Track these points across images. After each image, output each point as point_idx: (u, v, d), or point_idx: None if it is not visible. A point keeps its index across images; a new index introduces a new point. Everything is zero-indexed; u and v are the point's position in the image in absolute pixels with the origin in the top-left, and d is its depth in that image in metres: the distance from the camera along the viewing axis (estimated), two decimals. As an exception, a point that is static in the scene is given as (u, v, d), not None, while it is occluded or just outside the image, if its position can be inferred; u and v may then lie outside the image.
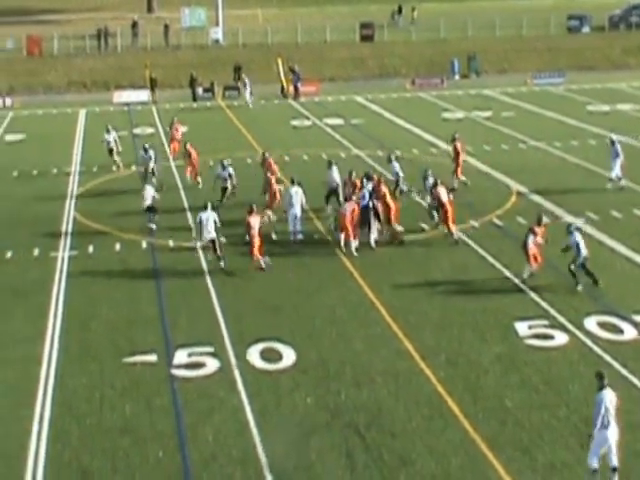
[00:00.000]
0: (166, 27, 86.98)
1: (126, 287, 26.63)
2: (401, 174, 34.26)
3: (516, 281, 25.98)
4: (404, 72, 69.56)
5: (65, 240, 30.90)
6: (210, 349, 22.17)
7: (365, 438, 18.14)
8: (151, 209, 31.31)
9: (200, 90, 61.45)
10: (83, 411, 19.47)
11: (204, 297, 25.66)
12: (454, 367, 21.08)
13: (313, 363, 21.44)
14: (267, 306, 24.93)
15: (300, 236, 30.20)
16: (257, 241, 27.51)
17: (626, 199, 33.97)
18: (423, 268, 27.61)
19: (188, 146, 37.82)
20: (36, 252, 29.73)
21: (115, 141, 40.86)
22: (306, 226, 31.00)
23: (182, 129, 43.83)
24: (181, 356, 21.87)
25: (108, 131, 40.95)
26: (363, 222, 29.09)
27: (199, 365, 21.42)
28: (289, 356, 21.80)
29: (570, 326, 23.01)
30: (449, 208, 29.84)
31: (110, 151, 40.51)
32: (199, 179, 37.01)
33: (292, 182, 30.82)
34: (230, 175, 33.86)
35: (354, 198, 29.45)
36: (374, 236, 29.22)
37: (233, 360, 21.60)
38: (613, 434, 16.04)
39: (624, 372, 20.54)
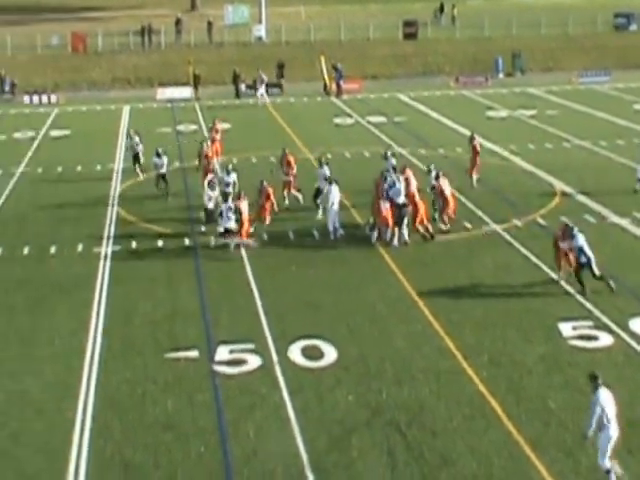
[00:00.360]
0: (209, 24, 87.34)
1: (168, 283, 26.72)
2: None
3: (561, 282, 25.72)
4: (448, 70, 69.32)
5: (108, 236, 31.08)
6: (251, 346, 22.18)
7: (406, 436, 18.05)
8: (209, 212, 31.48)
9: (243, 87, 61.58)
10: (126, 406, 19.57)
11: (245, 294, 25.68)
12: (497, 367, 20.91)
13: (354, 360, 21.37)
14: (308, 303, 24.91)
15: (341, 231, 30.16)
16: (247, 225, 29.24)
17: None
18: (465, 266, 27.44)
19: (205, 147, 37.12)
20: (80, 248, 29.94)
21: (138, 146, 39.10)
22: (347, 223, 30.96)
23: (221, 127, 42.81)
24: (223, 352, 21.90)
25: (130, 137, 39.98)
26: (397, 220, 29.08)
27: (241, 362, 21.43)
28: (330, 353, 21.75)
29: (615, 327, 22.74)
30: (451, 200, 30.11)
31: (135, 157, 38.80)
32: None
33: (330, 181, 30.86)
34: (234, 182, 33.01)
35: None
36: (406, 232, 29.23)
37: (275, 357, 21.60)
38: (615, 433, 15.98)
39: (670, 374, 20.29)
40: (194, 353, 21.92)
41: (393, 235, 29.09)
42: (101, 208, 34.25)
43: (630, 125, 47.86)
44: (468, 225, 31.03)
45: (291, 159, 34.43)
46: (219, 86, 63.55)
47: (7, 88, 63.40)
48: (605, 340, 22.14)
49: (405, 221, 29.22)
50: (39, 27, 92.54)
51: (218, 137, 41.15)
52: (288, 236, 30.52)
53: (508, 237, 29.81)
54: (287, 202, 33.35)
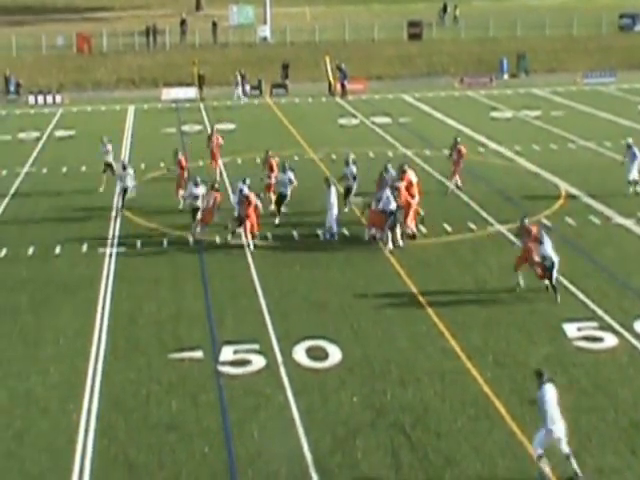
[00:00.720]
0: (214, 25, 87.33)
1: (173, 283, 26.73)
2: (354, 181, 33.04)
3: (565, 282, 25.69)
4: (452, 71, 69.29)
5: (113, 236, 31.10)
6: (256, 346, 22.19)
7: (410, 437, 18.04)
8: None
9: (248, 88, 61.60)
10: (130, 406, 19.58)
11: (250, 294, 25.69)
12: (501, 368, 20.90)
13: (359, 361, 21.37)
14: (313, 304, 24.91)
15: (336, 237, 30.15)
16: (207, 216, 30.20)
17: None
18: (470, 268, 27.43)
19: (180, 155, 35.35)
20: (84, 248, 29.96)
21: (108, 154, 37.43)
22: (353, 225, 30.99)
23: (220, 140, 39.56)
24: (227, 353, 21.91)
25: (103, 143, 37.91)
26: (390, 225, 29.13)
27: (245, 362, 21.44)
28: (335, 354, 21.75)
29: (620, 328, 22.72)
30: (416, 190, 30.53)
31: (108, 166, 37.19)
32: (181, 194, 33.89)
33: (328, 184, 30.81)
34: (203, 195, 31.92)
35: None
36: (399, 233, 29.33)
37: (279, 357, 21.60)
38: (560, 427, 16.18)
39: (675, 376, 20.27)
40: (198, 353, 21.94)
41: (387, 238, 29.03)
42: (106, 208, 34.25)
43: (635, 126, 47.80)
44: (473, 226, 31.02)
45: (273, 162, 34.19)
46: (224, 86, 63.53)
47: (12, 88, 63.50)
48: (610, 341, 22.11)
49: (398, 226, 29.22)
50: (44, 27, 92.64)
51: (218, 143, 39.16)
52: (293, 236, 30.53)
53: (513, 238, 29.76)
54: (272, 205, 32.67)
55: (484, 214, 32.34)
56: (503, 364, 21.08)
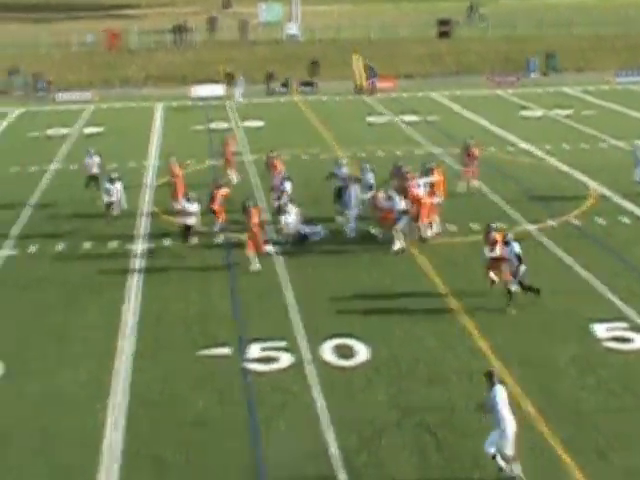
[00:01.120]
0: (243, 22, 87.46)
1: (200, 281, 26.76)
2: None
3: (594, 282, 25.51)
4: (481, 69, 69.02)
5: (142, 233, 31.19)
6: (283, 344, 22.19)
7: (437, 437, 17.98)
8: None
9: (278, 85, 61.65)
10: (157, 403, 19.63)
11: (277, 292, 25.69)
12: (529, 368, 20.78)
13: (386, 360, 21.32)
14: (339, 302, 24.86)
15: (354, 234, 30.08)
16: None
17: None
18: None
19: (172, 163, 34.08)
20: (114, 245, 30.06)
21: (99, 165, 35.72)
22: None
23: (234, 143, 39.03)
24: (254, 350, 21.93)
25: (90, 155, 35.92)
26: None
27: (272, 359, 21.45)
28: (362, 353, 21.71)
29: (649, 329, 22.56)
30: (441, 189, 31.01)
31: (93, 179, 35.39)
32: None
33: (353, 181, 30.69)
34: (118, 190, 32.28)
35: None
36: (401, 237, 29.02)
37: (306, 355, 21.59)
38: (511, 427, 16.12)
39: None
40: (226, 350, 21.96)
41: (398, 237, 28.85)
42: (135, 205, 34.35)
43: (667, 125, 47.46)
44: (500, 225, 30.82)
45: (277, 162, 33.86)
46: (251, 85, 63.60)
47: (41, 86, 63.87)
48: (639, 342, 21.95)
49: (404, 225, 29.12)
50: (73, 25, 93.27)
51: (231, 151, 37.84)
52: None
53: (541, 237, 29.62)
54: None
55: (512, 213, 32.16)
56: (531, 364, 20.95)
